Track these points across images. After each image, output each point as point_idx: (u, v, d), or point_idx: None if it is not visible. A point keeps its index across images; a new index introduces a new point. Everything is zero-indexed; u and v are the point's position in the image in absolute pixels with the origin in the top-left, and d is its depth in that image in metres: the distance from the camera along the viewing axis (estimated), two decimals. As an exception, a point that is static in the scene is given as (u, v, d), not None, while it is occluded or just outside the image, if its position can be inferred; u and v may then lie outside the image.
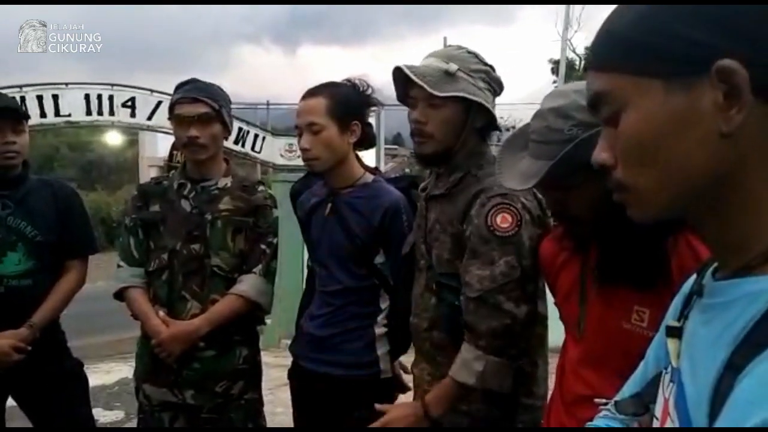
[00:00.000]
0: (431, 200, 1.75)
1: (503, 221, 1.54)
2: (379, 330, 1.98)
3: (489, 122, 1.68)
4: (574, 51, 21.34)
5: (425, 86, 1.59)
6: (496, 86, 1.70)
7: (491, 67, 1.69)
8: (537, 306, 1.62)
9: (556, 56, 16.75)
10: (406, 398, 2.12)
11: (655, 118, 0.60)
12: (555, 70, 19.66)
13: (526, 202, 1.57)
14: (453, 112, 1.64)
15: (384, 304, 1.99)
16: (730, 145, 0.58)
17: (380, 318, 1.99)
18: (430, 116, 1.64)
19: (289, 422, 2.19)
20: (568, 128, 1.26)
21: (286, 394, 2.19)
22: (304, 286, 2.32)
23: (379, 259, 1.97)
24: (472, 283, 1.57)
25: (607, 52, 0.65)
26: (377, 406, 1.70)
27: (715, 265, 0.68)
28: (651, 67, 0.60)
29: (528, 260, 1.55)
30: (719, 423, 0.54)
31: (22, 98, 6.48)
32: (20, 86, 6.76)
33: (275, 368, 2.90)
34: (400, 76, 1.66)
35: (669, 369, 0.71)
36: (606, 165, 0.66)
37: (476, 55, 1.68)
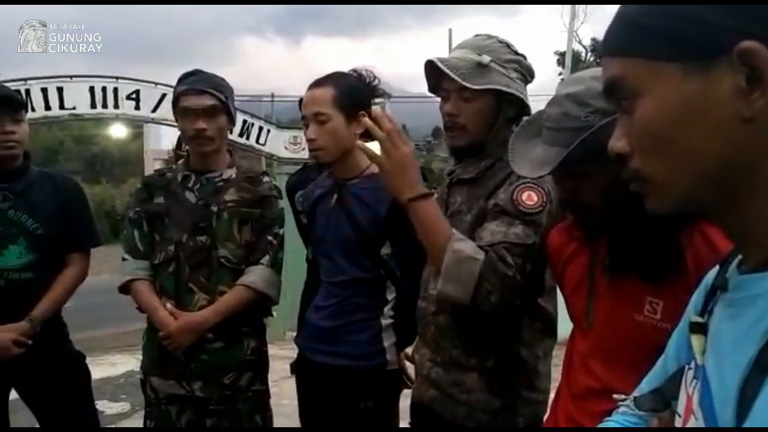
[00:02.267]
0: (457, 184, 1.73)
1: (529, 198, 1.53)
2: (386, 321, 1.97)
3: (520, 111, 1.67)
4: (580, 42, 21.28)
5: (458, 79, 1.57)
6: (527, 75, 1.69)
7: (523, 56, 1.69)
8: (528, 291, 1.59)
9: (562, 48, 16.68)
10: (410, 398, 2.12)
11: (672, 103, 0.59)
12: (561, 62, 19.59)
13: (552, 191, 1.55)
14: (486, 103, 1.63)
15: (390, 296, 1.98)
16: (750, 131, 0.56)
17: (387, 309, 1.97)
18: (463, 109, 1.63)
19: (294, 413, 2.18)
20: (584, 115, 1.23)
21: (291, 386, 2.19)
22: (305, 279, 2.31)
23: (386, 250, 1.95)
24: (484, 236, 1.54)
25: (622, 36, 0.63)
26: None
27: (740, 257, 0.66)
28: (668, 51, 0.59)
29: (538, 242, 1.52)
30: (749, 421, 0.53)
31: (27, 91, 6.47)
32: (25, 79, 6.75)
33: (280, 360, 2.90)
34: (431, 68, 1.64)
35: (692, 365, 0.69)
36: (622, 154, 0.64)
37: (508, 45, 1.67)
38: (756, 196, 0.59)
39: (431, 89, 1.73)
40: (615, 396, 0.90)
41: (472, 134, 1.65)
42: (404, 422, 2.06)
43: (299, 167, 2.87)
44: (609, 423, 0.90)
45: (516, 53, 1.67)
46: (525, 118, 1.59)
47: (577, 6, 12.15)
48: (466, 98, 1.62)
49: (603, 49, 0.66)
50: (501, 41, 1.67)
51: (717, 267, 0.72)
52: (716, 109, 0.57)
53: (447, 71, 1.58)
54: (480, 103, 1.62)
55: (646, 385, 0.85)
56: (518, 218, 1.53)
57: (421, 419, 1.81)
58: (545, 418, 1.65)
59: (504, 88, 1.60)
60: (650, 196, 0.64)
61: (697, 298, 0.75)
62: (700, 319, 0.69)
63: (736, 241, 0.65)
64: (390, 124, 1.53)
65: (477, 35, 1.72)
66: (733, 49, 0.55)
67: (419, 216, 1.55)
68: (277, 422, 2.34)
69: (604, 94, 0.67)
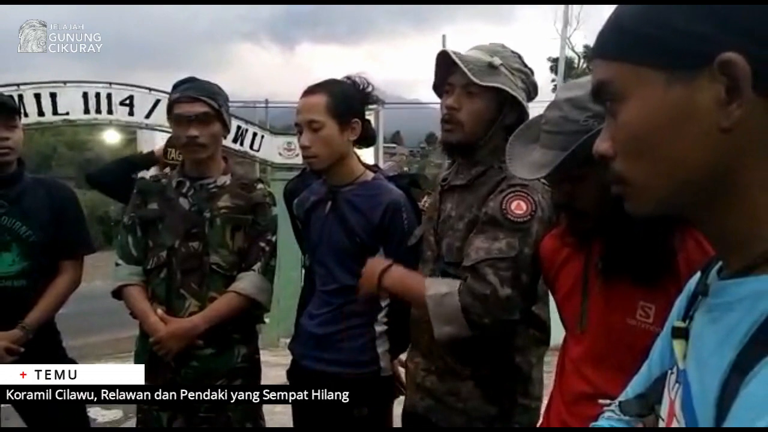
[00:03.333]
0: (449, 191, 1.75)
1: (518, 208, 1.55)
2: (380, 328, 1.97)
3: (518, 121, 1.68)
4: (572, 49, 21.38)
5: (467, 72, 1.59)
6: (532, 89, 1.71)
7: (531, 70, 1.71)
8: (527, 298, 1.61)
9: (555, 54, 16.78)
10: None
11: (654, 110, 0.60)
12: (554, 69, 19.67)
13: (542, 199, 1.57)
14: (487, 104, 1.65)
15: (384, 302, 1.98)
16: (728, 141, 0.57)
17: (380, 316, 1.98)
18: (465, 104, 1.65)
19: (288, 421, 2.18)
20: (583, 119, 1.25)
21: (285, 393, 2.17)
22: (302, 285, 2.31)
23: (379, 256, 1.96)
24: (470, 254, 1.58)
25: (612, 40, 0.64)
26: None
27: (720, 263, 0.67)
28: (654, 58, 0.60)
29: (530, 250, 1.54)
30: (727, 424, 0.53)
31: (20, 96, 6.45)
32: (18, 84, 6.74)
33: (274, 367, 2.89)
34: (442, 61, 1.66)
35: (675, 369, 0.70)
36: (606, 156, 0.65)
37: (519, 57, 1.70)
38: (734, 204, 0.60)
39: (435, 87, 1.75)
40: (601, 401, 0.91)
41: (467, 132, 1.66)
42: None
43: (293, 173, 2.88)
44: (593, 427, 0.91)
45: (525, 66, 1.70)
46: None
47: (569, 13, 12.22)
48: (470, 94, 1.64)
49: (593, 51, 0.67)
50: (514, 52, 1.71)
51: (699, 273, 0.73)
52: (697, 118, 0.58)
53: (458, 62, 1.60)
54: (482, 101, 1.64)
55: (631, 390, 0.86)
56: (506, 228, 1.54)
57: (415, 428, 1.81)
58: (538, 423, 1.65)
59: (509, 90, 1.62)
60: (629, 198, 0.65)
61: (679, 303, 0.77)
62: (682, 324, 0.70)
63: (716, 247, 0.66)
64: None
65: (492, 43, 1.75)
66: (714, 60, 0.56)
67: (393, 282, 1.72)
68: (271, 429, 2.33)
69: (592, 96, 0.68)
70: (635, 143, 0.62)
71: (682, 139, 0.59)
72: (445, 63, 1.65)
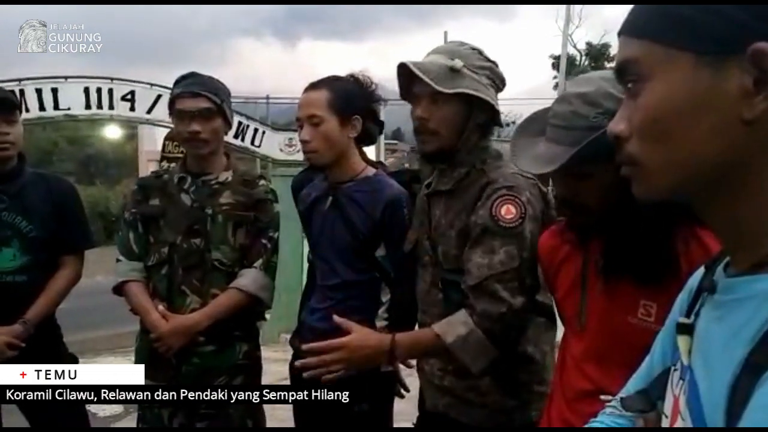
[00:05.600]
0: (435, 196, 1.74)
1: (507, 213, 1.54)
2: (380, 323, 1.97)
3: (490, 118, 1.68)
4: (575, 46, 21.37)
5: (430, 82, 1.58)
6: (499, 82, 1.69)
7: (494, 63, 1.69)
8: (533, 298, 1.61)
9: (557, 52, 16.76)
10: (405, 399, 2.11)
11: (678, 93, 0.59)
12: (556, 66, 19.66)
13: (530, 197, 1.57)
14: (456, 108, 1.63)
15: (385, 298, 1.98)
16: (748, 135, 0.56)
17: (381, 311, 1.98)
18: (434, 113, 1.64)
19: (289, 418, 2.18)
20: (593, 115, 1.23)
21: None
22: (304, 281, 2.32)
23: (380, 252, 1.96)
24: (472, 271, 1.57)
25: (643, 18, 0.63)
26: (336, 319, 1.67)
27: (727, 260, 0.66)
28: (686, 39, 0.59)
29: (528, 253, 1.54)
30: (742, 424, 0.53)
31: (21, 91, 6.44)
32: (19, 80, 6.73)
33: (275, 363, 2.91)
34: (404, 71, 1.65)
35: (678, 366, 0.69)
36: (621, 137, 0.64)
37: (480, 52, 1.68)
38: (745, 200, 0.59)
39: (403, 95, 1.73)
40: (602, 397, 0.91)
41: (442, 139, 1.65)
42: (398, 424, 2.06)
43: (294, 169, 2.88)
44: (594, 423, 0.90)
45: (488, 60, 1.68)
46: (512, 126, 1.59)
47: (572, 10, 12.21)
48: (437, 102, 1.62)
49: (622, 28, 0.66)
50: (473, 48, 1.68)
51: (702, 269, 0.73)
52: (720, 107, 0.57)
53: (419, 74, 1.58)
54: (450, 108, 1.63)
55: (632, 387, 0.85)
56: (499, 236, 1.54)
57: (435, 427, 1.81)
58: (540, 420, 1.65)
59: (474, 93, 1.61)
60: (638, 181, 0.64)
61: (681, 299, 0.76)
62: (687, 321, 0.69)
63: (725, 243, 0.65)
64: (324, 350, 1.64)
65: (450, 41, 1.74)
66: (747, 48, 0.55)
67: (406, 354, 1.67)
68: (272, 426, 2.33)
69: (615, 74, 0.67)
70: (653, 125, 0.61)
71: (701, 125, 0.58)
72: (407, 72, 1.63)
